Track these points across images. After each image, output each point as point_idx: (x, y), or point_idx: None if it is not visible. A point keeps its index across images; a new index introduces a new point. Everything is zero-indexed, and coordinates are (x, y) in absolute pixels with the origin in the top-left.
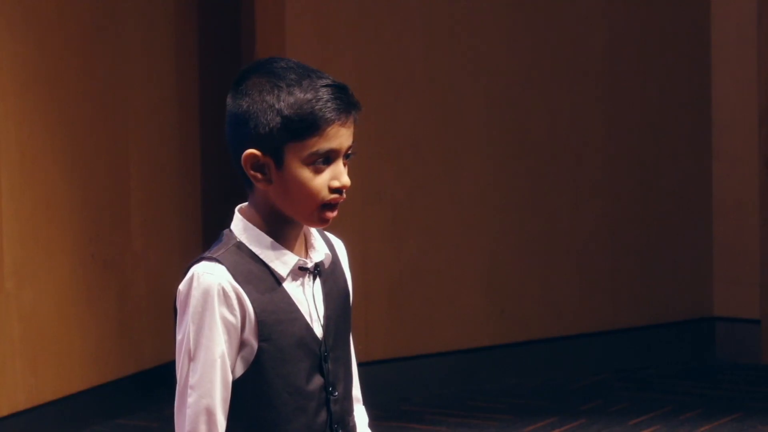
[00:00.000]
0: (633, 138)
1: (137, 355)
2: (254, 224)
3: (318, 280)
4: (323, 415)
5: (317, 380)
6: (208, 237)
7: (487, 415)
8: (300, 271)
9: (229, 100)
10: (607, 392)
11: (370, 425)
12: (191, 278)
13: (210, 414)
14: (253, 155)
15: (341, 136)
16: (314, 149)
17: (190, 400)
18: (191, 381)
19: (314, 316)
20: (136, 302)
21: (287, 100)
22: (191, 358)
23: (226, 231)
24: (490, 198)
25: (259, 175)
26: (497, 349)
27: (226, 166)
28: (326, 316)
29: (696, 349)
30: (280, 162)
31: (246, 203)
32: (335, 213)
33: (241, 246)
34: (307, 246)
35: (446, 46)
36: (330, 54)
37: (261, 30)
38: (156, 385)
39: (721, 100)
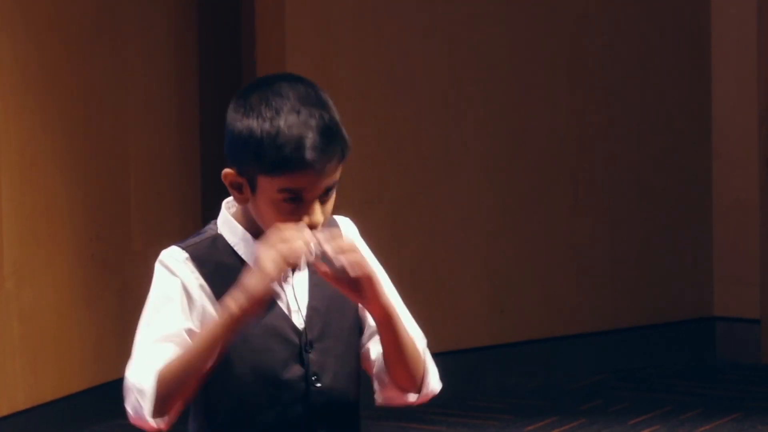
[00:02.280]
0: (633, 138)
1: None
2: (236, 219)
3: (306, 271)
4: (300, 406)
5: (295, 370)
6: None
7: (487, 415)
8: None
9: (228, 113)
10: (607, 392)
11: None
12: (158, 261)
13: (141, 393)
14: (231, 173)
15: (314, 183)
16: (284, 187)
17: (127, 373)
18: (134, 355)
19: (293, 307)
20: (136, 302)
21: (268, 132)
22: (144, 333)
23: (211, 222)
24: (490, 198)
25: (236, 193)
26: (497, 349)
27: (225, 166)
28: (311, 306)
29: (696, 349)
30: (253, 187)
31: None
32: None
33: (217, 238)
34: None
35: (446, 46)
36: (330, 54)
37: (261, 30)
38: None
39: (721, 100)
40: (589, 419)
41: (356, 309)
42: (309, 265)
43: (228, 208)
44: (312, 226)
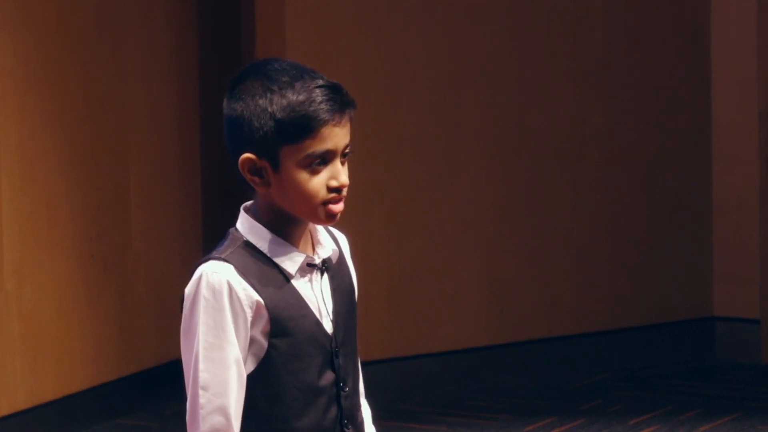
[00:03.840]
0: (632, 138)
1: (137, 355)
2: (260, 223)
3: (326, 276)
4: (333, 411)
5: (329, 376)
6: (208, 237)
7: (487, 415)
8: (308, 267)
9: (224, 105)
10: (607, 392)
11: (373, 420)
12: (199, 278)
13: (224, 413)
14: (249, 159)
15: (336, 136)
16: (310, 151)
17: (202, 401)
18: (202, 381)
19: (323, 312)
20: (136, 302)
21: (280, 103)
22: (203, 359)
23: (231, 230)
24: (490, 198)
25: (257, 179)
26: (497, 349)
27: (226, 166)
28: (335, 312)
29: (696, 349)
30: (276, 165)
31: (251, 202)
32: (340, 207)
33: (248, 245)
34: (314, 242)
35: (447, 46)
36: (330, 54)
37: (261, 30)
38: (156, 385)
39: (721, 100)
40: (589, 419)
41: (356, 310)
42: (329, 270)
43: (247, 211)
44: (341, 187)
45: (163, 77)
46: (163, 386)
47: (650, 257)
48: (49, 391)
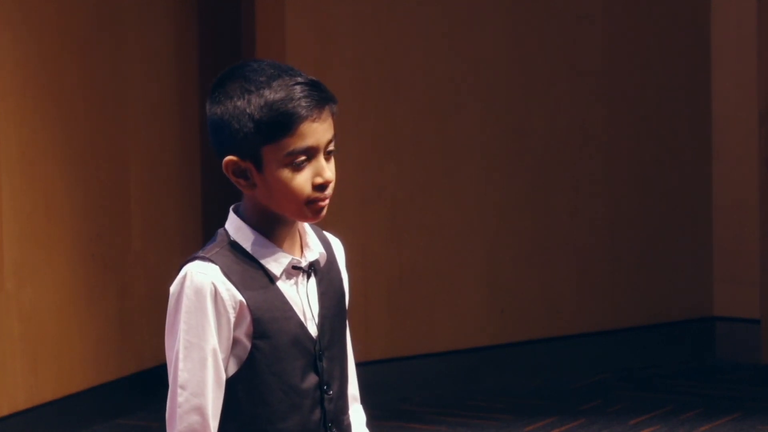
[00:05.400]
0: (633, 138)
1: (137, 355)
2: (248, 223)
3: (313, 279)
4: (317, 413)
5: (312, 378)
6: (208, 237)
7: (487, 415)
8: (294, 270)
9: (207, 109)
10: (607, 392)
11: (368, 425)
12: (183, 278)
13: (201, 413)
14: (232, 162)
15: (316, 132)
16: (290, 149)
17: (180, 399)
18: (181, 380)
19: (308, 315)
20: (136, 302)
21: (257, 103)
22: (182, 358)
23: (220, 230)
24: (490, 198)
25: (242, 181)
26: (497, 349)
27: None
28: (321, 315)
29: (696, 349)
30: (259, 165)
31: (240, 202)
32: (326, 203)
33: (234, 245)
34: (302, 245)
35: (446, 46)
36: (330, 54)
37: (261, 30)
38: (156, 385)
39: (721, 100)
40: (589, 419)
41: (346, 315)
42: (317, 273)
43: (236, 212)
44: (326, 184)
45: (163, 77)
46: (163, 386)
47: (650, 257)
48: (49, 391)
